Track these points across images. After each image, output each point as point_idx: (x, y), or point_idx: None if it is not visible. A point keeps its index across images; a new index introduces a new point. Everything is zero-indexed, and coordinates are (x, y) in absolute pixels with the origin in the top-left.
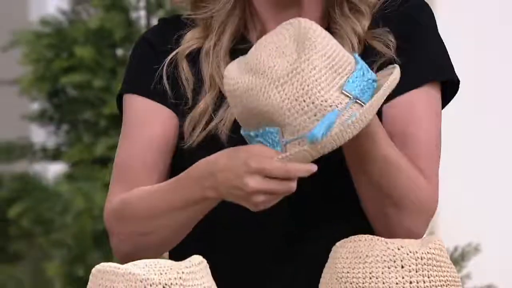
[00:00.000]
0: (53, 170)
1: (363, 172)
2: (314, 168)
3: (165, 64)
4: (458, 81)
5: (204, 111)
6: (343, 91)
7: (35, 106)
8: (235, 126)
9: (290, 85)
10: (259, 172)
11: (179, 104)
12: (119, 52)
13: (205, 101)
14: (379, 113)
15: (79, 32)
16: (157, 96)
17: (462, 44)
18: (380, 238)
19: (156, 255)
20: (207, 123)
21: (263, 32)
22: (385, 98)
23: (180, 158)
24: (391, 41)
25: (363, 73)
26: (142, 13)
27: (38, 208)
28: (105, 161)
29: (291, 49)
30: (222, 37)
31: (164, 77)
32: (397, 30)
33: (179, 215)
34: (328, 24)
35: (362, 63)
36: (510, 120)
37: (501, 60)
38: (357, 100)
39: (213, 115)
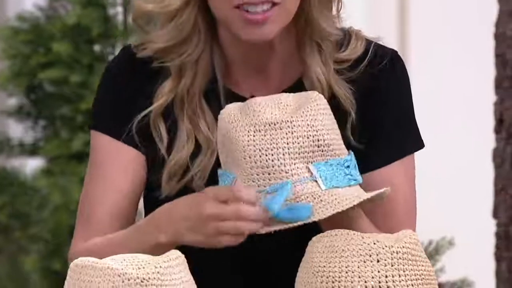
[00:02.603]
0: (31, 165)
1: None
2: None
3: (137, 120)
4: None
5: (180, 164)
6: (308, 165)
7: (13, 102)
8: (210, 177)
9: (263, 135)
10: (215, 198)
11: (152, 156)
12: (96, 48)
13: (182, 154)
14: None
15: (56, 28)
16: (126, 138)
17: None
18: (356, 232)
19: None
20: (183, 174)
21: (229, 71)
22: (349, 206)
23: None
24: (351, 101)
25: (348, 166)
26: (119, 9)
27: (15, 202)
28: (82, 157)
29: (291, 104)
30: (195, 80)
31: (134, 130)
32: (370, 98)
33: None
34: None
35: (353, 159)
36: (475, 118)
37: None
38: (316, 180)
39: (190, 166)
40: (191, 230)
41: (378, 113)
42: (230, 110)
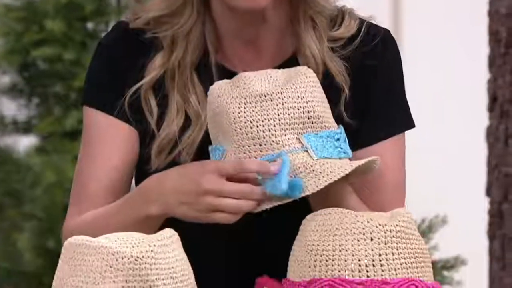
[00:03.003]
0: (24, 143)
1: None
2: (266, 167)
3: (129, 95)
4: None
5: (170, 137)
6: (299, 136)
7: (6, 79)
8: (199, 152)
9: (253, 106)
10: (215, 171)
11: (143, 129)
12: (90, 25)
13: (171, 128)
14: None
15: (49, 5)
16: (118, 113)
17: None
18: (349, 211)
19: None
20: (173, 148)
21: (221, 45)
22: (340, 176)
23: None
24: (344, 76)
25: (338, 139)
26: None
27: (8, 180)
28: (76, 134)
29: (280, 78)
30: (186, 53)
31: (126, 105)
32: (363, 76)
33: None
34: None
35: (343, 132)
36: (468, 96)
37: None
38: (307, 150)
39: (178, 141)
40: (184, 203)
41: (370, 91)
42: (220, 85)
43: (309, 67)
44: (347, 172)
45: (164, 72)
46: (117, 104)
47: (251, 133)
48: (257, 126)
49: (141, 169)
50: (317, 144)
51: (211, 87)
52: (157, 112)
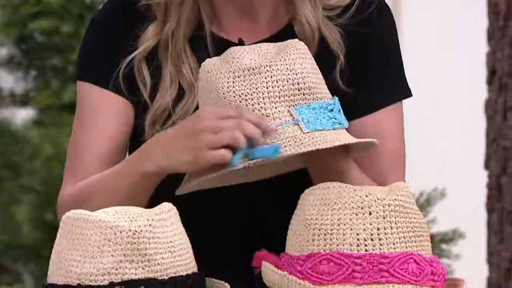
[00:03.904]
0: (21, 115)
1: None
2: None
3: (123, 66)
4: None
5: (163, 108)
6: (290, 109)
7: (3, 52)
8: None
9: (242, 80)
10: (212, 113)
11: (136, 101)
12: None
13: (165, 99)
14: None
15: None
16: (113, 86)
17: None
18: (348, 185)
19: None
20: (166, 120)
21: (216, 15)
22: (332, 145)
23: None
24: (340, 43)
25: (331, 110)
26: None
27: (6, 153)
28: (73, 107)
29: (271, 51)
30: (180, 23)
31: (120, 77)
32: (359, 44)
33: (126, 195)
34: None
35: (337, 103)
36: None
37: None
38: (298, 123)
39: (172, 112)
40: (181, 148)
41: (366, 59)
42: (210, 61)
43: (304, 34)
44: (327, 146)
45: (158, 43)
46: (111, 77)
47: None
48: (246, 100)
49: (135, 141)
50: (309, 116)
51: (202, 64)
52: (150, 83)
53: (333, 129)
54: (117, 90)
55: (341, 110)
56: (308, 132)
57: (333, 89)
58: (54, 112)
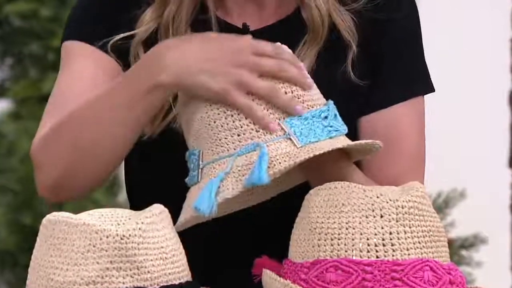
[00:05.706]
0: None
1: None
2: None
3: (117, 38)
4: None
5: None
6: (280, 122)
7: None
8: None
9: None
10: (250, 47)
11: None
12: None
13: None
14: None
15: None
16: (109, 49)
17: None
18: (357, 185)
19: (88, 184)
20: (167, 113)
21: (221, 0)
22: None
23: (140, 150)
24: (352, 31)
25: (326, 117)
26: None
27: None
28: None
29: None
30: (181, 6)
31: (112, 50)
32: (376, 32)
33: (125, 116)
34: None
35: (331, 108)
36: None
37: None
38: (290, 137)
39: (172, 105)
40: (208, 71)
41: (383, 47)
42: None
43: (313, 20)
44: (311, 155)
45: (157, 28)
46: (107, 41)
47: (226, 124)
48: (232, 116)
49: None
50: (302, 128)
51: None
52: None
53: (330, 138)
54: (110, 54)
55: (337, 115)
56: (302, 147)
57: (344, 82)
58: (32, 104)
